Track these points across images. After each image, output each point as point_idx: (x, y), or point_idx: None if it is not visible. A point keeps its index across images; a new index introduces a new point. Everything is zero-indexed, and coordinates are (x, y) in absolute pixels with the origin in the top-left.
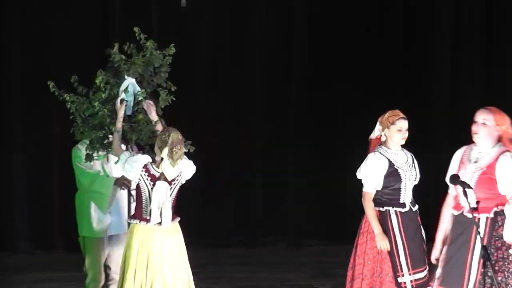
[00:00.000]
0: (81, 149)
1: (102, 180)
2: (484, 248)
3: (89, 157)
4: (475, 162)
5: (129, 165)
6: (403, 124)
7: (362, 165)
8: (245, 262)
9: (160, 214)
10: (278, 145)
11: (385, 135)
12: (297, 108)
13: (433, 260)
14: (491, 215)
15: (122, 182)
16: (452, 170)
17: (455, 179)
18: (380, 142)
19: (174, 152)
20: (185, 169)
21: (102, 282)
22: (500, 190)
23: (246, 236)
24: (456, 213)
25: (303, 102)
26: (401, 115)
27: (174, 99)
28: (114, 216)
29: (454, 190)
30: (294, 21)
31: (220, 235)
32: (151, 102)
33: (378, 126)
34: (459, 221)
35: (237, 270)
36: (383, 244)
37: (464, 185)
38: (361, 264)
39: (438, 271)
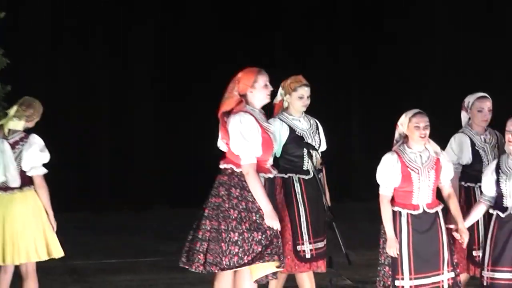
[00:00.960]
0: None
1: None
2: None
3: None
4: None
5: None
6: (305, 91)
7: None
8: (90, 226)
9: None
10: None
11: (287, 101)
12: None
13: None
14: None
15: None
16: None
17: (301, 141)
18: (283, 108)
19: (19, 110)
20: (31, 143)
21: None
22: None
23: (90, 200)
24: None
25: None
26: (304, 81)
27: (8, 62)
28: None
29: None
30: None
31: (64, 199)
32: None
33: (280, 91)
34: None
35: (83, 234)
36: None
37: (309, 147)
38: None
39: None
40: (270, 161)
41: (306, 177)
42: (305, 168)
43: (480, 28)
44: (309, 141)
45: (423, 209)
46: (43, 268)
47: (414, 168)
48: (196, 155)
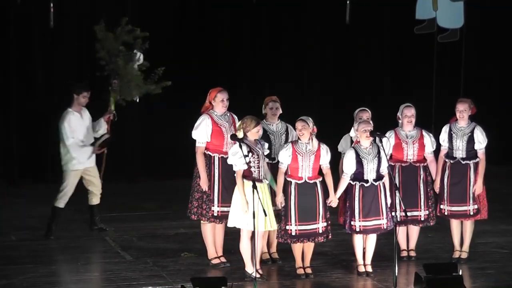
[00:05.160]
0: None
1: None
2: None
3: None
4: None
5: None
6: (274, 104)
7: None
8: None
9: None
10: None
11: (265, 112)
12: None
13: None
14: None
15: None
16: None
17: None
18: (263, 116)
19: None
20: None
21: None
22: None
23: None
24: None
25: None
26: (273, 98)
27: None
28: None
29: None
30: None
31: None
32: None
33: (263, 106)
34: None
35: None
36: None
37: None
38: None
39: None
40: (226, 147)
41: (272, 162)
42: (273, 155)
43: None
44: (276, 138)
45: (305, 180)
46: None
47: (300, 153)
48: None
